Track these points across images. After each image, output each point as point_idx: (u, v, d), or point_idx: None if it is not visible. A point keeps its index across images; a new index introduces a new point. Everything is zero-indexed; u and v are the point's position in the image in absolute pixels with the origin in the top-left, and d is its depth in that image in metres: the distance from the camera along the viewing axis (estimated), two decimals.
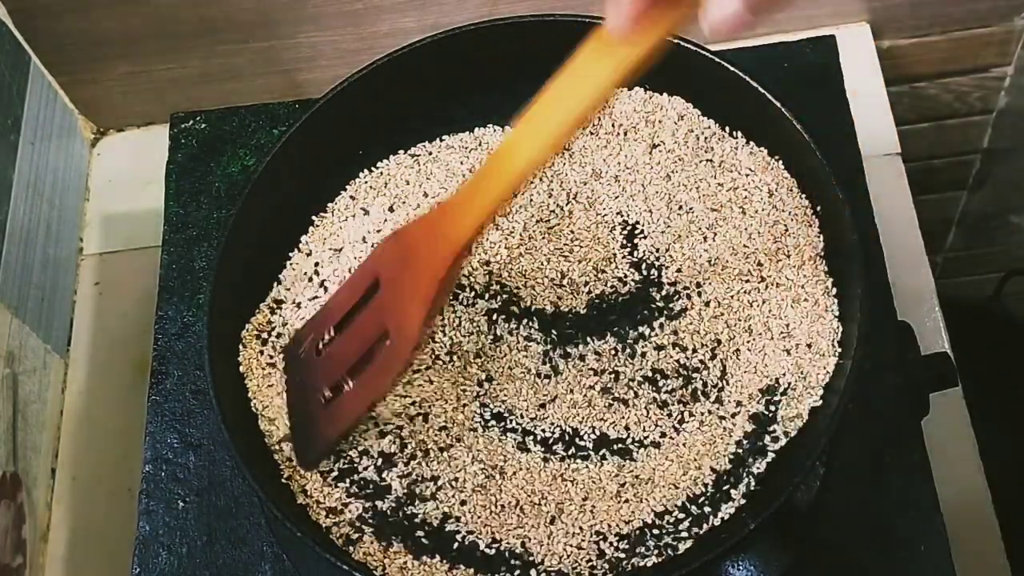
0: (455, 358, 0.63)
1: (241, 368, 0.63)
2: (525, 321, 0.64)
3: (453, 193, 0.58)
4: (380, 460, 0.60)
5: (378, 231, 0.67)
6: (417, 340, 0.56)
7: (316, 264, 0.67)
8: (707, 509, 0.58)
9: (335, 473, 0.60)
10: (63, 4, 0.80)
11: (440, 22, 0.82)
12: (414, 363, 0.62)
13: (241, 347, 0.64)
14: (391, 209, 0.68)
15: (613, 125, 0.69)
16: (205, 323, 0.61)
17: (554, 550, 0.58)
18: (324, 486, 0.60)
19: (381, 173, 0.69)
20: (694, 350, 0.62)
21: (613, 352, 0.63)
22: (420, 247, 0.57)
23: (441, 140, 0.70)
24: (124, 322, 0.82)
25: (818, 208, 0.64)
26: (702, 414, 0.61)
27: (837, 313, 0.61)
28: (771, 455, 0.59)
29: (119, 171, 0.88)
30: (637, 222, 0.66)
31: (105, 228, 0.86)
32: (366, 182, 0.69)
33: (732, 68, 0.65)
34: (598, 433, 0.61)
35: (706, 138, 0.68)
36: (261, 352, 0.64)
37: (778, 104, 0.63)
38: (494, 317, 0.64)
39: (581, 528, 0.58)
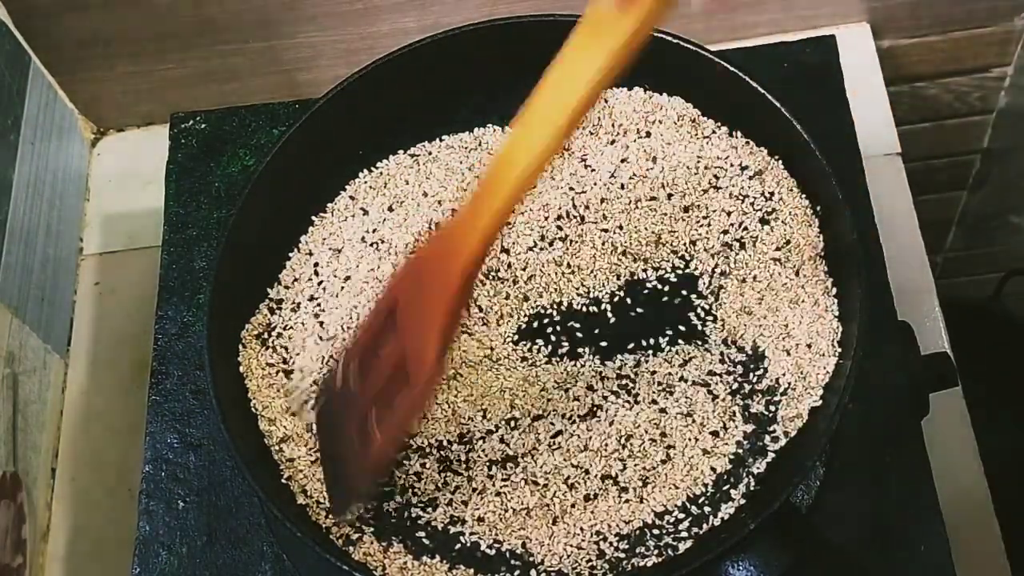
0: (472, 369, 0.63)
1: (241, 368, 0.63)
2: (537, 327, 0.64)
3: (458, 209, 0.56)
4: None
5: (375, 231, 0.67)
6: (434, 369, 0.54)
7: (316, 264, 0.67)
8: (707, 509, 0.58)
9: None
10: (63, 4, 0.80)
11: (440, 22, 0.82)
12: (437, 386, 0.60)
13: (241, 347, 0.64)
14: (390, 209, 0.68)
15: (613, 125, 0.69)
16: (205, 323, 0.61)
17: (555, 550, 0.58)
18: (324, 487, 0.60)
19: (381, 173, 0.69)
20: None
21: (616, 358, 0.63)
22: (431, 269, 0.55)
23: (441, 140, 0.70)
24: (124, 322, 0.82)
25: (818, 208, 0.64)
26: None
27: (837, 313, 0.61)
28: (771, 455, 0.59)
29: (119, 171, 0.88)
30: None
31: (105, 228, 0.86)
32: (366, 182, 0.69)
33: (732, 68, 0.65)
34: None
35: (706, 138, 0.68)
36: (261, 352, 0.64)
37: (778, 104, 0.63)
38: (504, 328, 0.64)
39: (582, 528, 0.58)
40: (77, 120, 0.88)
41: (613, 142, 0.68)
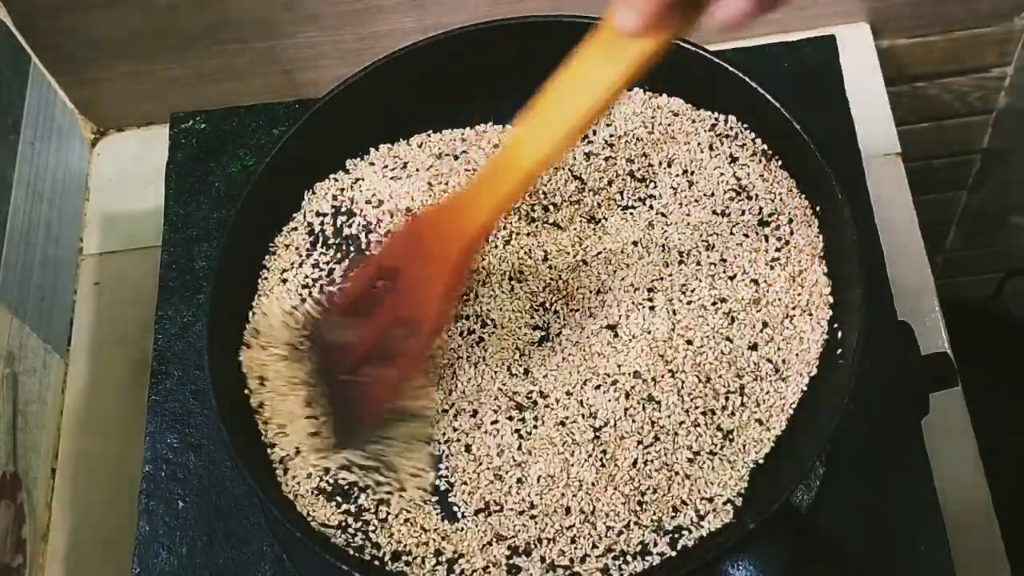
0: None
1: (243, 368, 0.63)
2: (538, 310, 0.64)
3: (466, 185, 0.58)
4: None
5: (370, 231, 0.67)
6: (439, 332, 0.58)
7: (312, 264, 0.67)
8: (707, 508, 0.58)
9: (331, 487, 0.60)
10: (63, 4, 0.80)
11: (440, 22, 0.82)
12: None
13: (245, 348, 0.64)
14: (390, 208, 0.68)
15: (611, 124, 0.69)
16: (205, 323, 0.61)
17: (561, 548, 0.58)
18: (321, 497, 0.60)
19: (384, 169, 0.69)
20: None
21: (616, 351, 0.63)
22: (434, 240, 0.57)
23: (441, 139, 0.70)
24: (124, 322, 0.82)
25: (818, 208, 0.64)
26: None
27: (837, 313, 0.61)
28: (771, 454, 0.59)
29: (119, 171, 0.88)
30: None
31: (105, 228, 0.86)
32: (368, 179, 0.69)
33: (731, 68, 0.65)
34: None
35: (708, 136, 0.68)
36: (264, 352, 0.64)
37: (777, 104, 0.63)
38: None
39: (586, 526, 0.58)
40: (77, 120, 0.88)
41: (612, 145, 0.68)
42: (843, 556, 0.59)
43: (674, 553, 0.57)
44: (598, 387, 0.61)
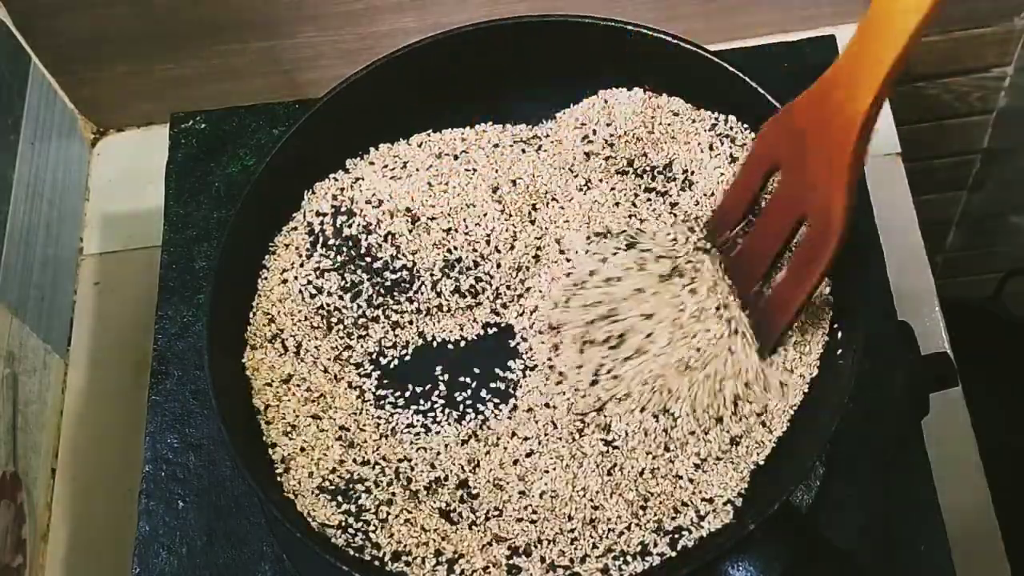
0: None
1: (247, 372, 0.63)
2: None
3: (836, 61, 0.54)
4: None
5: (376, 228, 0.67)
6: (844, 221, 0.54)
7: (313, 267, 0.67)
8: (708, 509, 0.58)
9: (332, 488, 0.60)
10: (63, 4, 0.79)
11: (440, 22, 0.82)
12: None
13: (250, 349, 0.64)
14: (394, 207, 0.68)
15: (612, 124, 0.69)
16: (205, 323, 0.61)
17: (561, 549, 0.58)
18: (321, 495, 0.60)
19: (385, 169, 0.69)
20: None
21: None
22: (816, 127, 0.54)
23: (441, 138, 0.70)
24: (124, 322, 0.82)
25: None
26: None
27: (837, 313, 0.61)
28: (771, 455, 0.59)
29: (119, 171, 0.88)
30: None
31: (105, 228, 0.86)
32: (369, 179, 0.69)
33: (732, 68, 0.65)
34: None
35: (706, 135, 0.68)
36: (267, 352, 0.64)
37: (778, 104, 0.63)
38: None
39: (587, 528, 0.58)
40: (77, 120, 0.88)
41: (612, 145, 0.68)
42: (843, 556, 0.59)
43: (674, 553, 0.57)
44: (617, 400, 0.61)
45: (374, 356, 0.64)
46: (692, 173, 0.67)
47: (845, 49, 0.54)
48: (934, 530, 0.65)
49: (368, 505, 0.59)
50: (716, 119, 0.67)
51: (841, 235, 0.55)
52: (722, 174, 0.66)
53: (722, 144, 0.67)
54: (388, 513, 0.59)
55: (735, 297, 0.60)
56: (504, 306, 0.65)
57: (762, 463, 0.59)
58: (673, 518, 0.58)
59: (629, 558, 0.57)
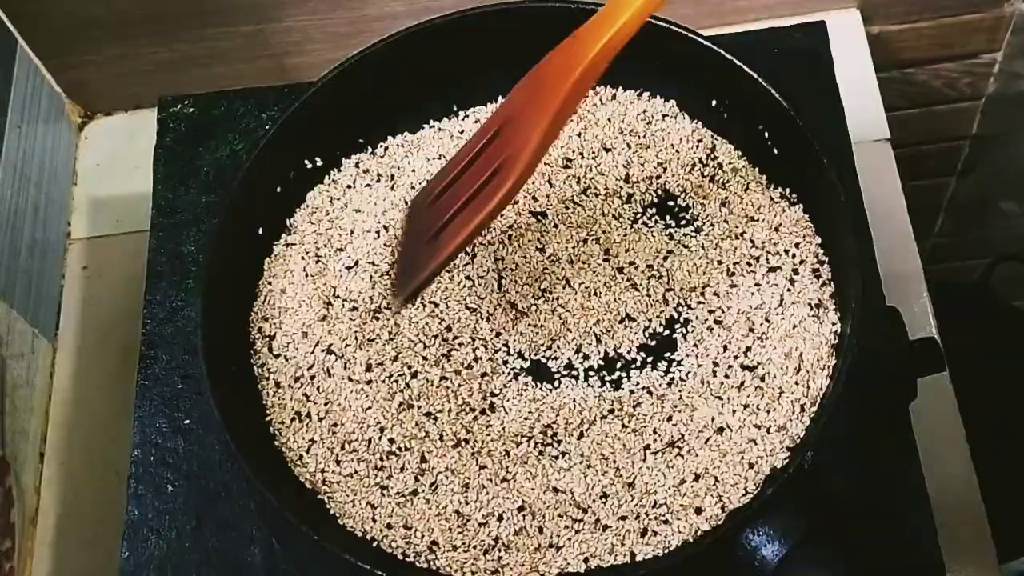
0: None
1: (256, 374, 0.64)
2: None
3: (580, 29, 0.55)
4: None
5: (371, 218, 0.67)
6: (530, 163, 0.54)
7: (306, 251, 0.67)
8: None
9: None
10: None
11: (430, 6, 0.81)
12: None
13: (253, 351, 0.64)
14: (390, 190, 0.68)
15: (596, 113, 0.69)
16: (200, 324, 0.61)
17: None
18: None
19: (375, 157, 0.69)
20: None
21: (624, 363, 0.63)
22: (545, 78, 0.55)
23: (434, 124, 0.70)
24: (112, 307, 0.82)
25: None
26: None
27: (831, 301, 0.62)
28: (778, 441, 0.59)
29: (107, 155, 0.88)
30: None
31: (93, 212, 0.86)
32: (360, 166, 0.69)
33: (722, 52, 0.65)
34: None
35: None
36: (271, 347, 0.64)
37: (771, 89, 0.63)
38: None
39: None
40: (64, 104, 0.88)
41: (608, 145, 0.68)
42: (829, 542, 0.59)
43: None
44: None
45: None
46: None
47: (585, 25, 0.55)
48: (921, 514, 0.65)
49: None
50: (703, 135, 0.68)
51: (522, 172, 0.54)
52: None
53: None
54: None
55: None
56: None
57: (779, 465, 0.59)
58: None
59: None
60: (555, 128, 0.54)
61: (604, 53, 0.54)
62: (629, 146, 0.67)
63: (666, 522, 0.58)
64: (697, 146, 0.68)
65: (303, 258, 0.66)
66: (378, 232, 0.66)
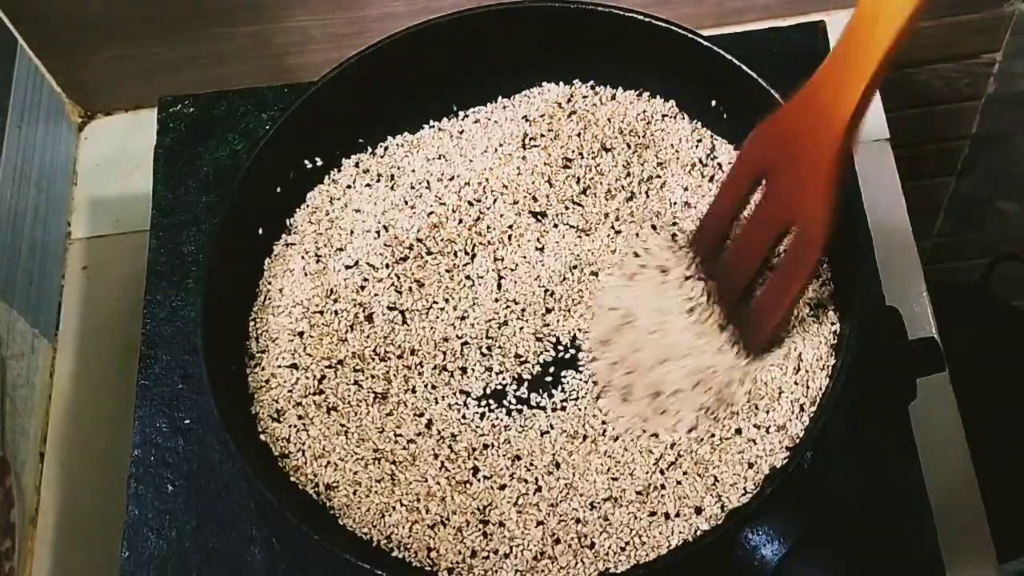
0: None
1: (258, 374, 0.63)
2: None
3: (819, 69, 0.54)
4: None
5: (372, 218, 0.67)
6: (830, 225, 0.54)
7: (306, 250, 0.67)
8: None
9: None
10: None
11: (431, 6, 0.81)
12: None
13: (255, 352, 0.64)
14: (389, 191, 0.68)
15: (610, 120, 0.69)
16: (200, 324, 0.61)
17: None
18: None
19: (377, 160, 0.69)
20: None
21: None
22: (803, 131, 0.54)
23: (434, 125, 0.70)
24: (112, 306, 0.82)
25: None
26: None
27: (832, 301, 0.62)
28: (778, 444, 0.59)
29: (107, 155, 0.88)
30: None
31: (93, 212, 0.86)
32: (360, 167, 0.69)
33: (722, 52, 0.65)
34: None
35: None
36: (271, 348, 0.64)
37: (771, 91, 0.63)
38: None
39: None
40: (64, 104, 0.88)
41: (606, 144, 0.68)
42: (828, 541, 0.59)
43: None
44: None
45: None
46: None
47: (832, 50, 0.54)
48: (921, 514, 0.65)
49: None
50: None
51: (827, 238, 0.55)
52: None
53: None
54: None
55: (722, 309, 0.60)
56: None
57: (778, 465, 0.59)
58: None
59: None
60: (840, 185, 0.54)
61: (864, 102, 0.52)
62: (629, 146, 0.67)
63: (666, 521, 0.57)
64: (697, 146, 0.68)
65: (303, 258, 0.66)
66: (378, 232, 0.67)
